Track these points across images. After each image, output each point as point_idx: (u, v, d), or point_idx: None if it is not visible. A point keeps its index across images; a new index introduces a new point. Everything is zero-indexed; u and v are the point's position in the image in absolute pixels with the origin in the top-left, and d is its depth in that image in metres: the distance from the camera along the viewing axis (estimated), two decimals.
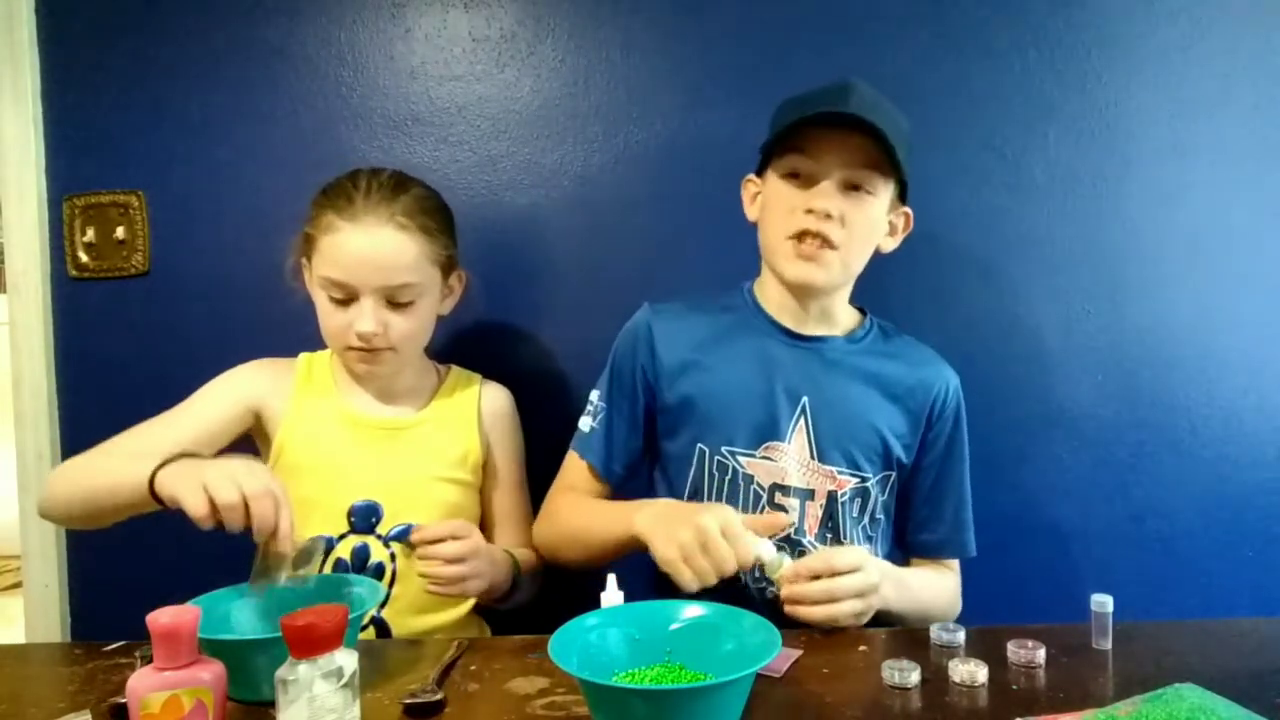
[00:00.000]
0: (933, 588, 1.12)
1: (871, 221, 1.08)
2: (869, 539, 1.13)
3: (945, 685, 0.78)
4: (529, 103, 1.42)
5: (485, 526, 1.18)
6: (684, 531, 0.88)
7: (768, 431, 1.09)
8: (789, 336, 1.13)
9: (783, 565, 0.92)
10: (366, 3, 1.42)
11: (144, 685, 0.62)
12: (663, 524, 0.92)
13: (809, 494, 1.08)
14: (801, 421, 1.09)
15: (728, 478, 1.09)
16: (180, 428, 1.07)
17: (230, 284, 1.43)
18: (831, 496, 1.09)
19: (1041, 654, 0.82)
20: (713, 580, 0.87)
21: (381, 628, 1.07)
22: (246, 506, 0.83)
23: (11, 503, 1.47)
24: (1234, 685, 0.74)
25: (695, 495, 1.11)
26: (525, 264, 1.43)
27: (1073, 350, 1.41)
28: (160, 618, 0.63)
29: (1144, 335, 1.41)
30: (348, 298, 1.06)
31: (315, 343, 1.15)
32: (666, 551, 0.89)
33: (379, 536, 1.09)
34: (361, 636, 0.97)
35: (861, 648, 0.88)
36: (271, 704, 0.63)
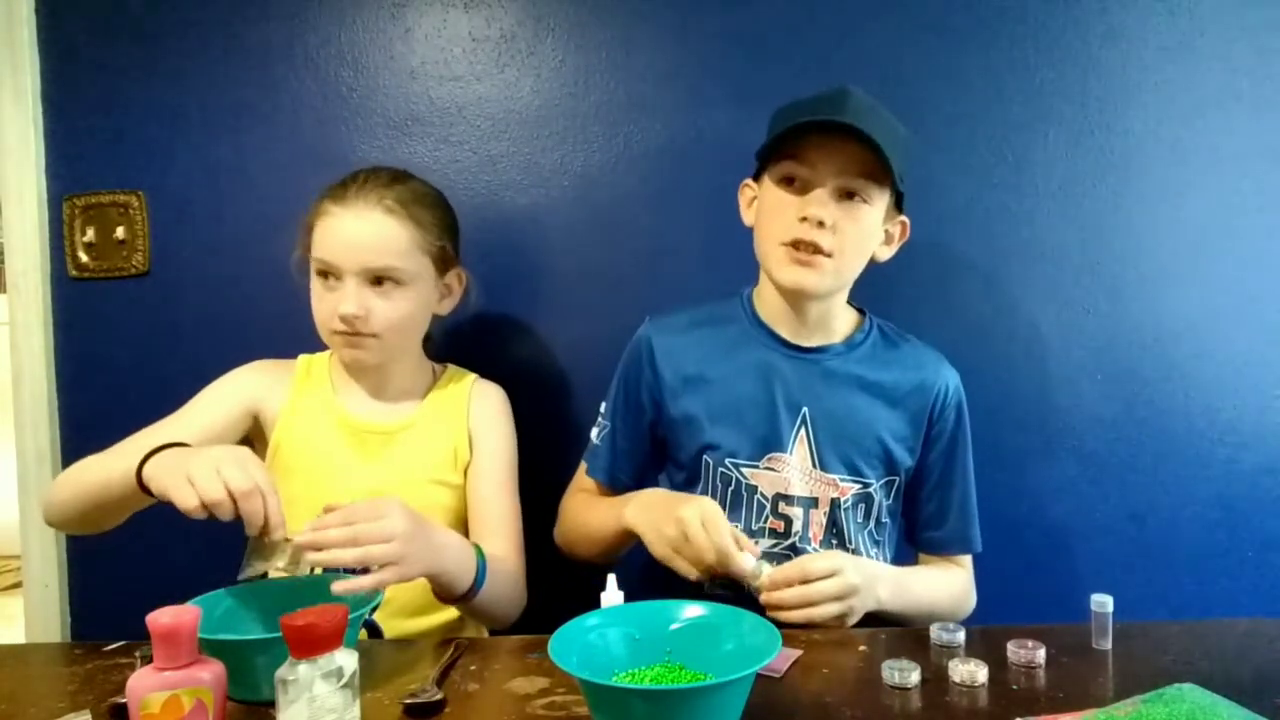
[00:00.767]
0: (936, 586, 1.12)
1: (866, 230, 1.08)
2: (875, 543, 1.13)
3: (945, 685, 0.78)
4: (529, 103, 1.42)
5: (471, 528, 1.15)
6: (667, 527, 0.95)
7: (770, 443, 1.10)
8: (788, 348, 1.13)
9: (762, 573, 0.94)
10: (366, 3, 1.42)
11: (144, 685, 0.62)
12: (649, 520, 1.00)
13: (812, 502, 1.09)
14: (802, 432, 1.10)
15: (731, 489, 1.10)
16: (180, 433, 1.07)
17: (230, 284, 1.43)
18: (835, 504, 1.09)
19: (1041, 654, 0.82)
20: (703, 567, 0.94)
21: (373, 630, 1.06)
22: (234, 499, 0.82)
23: (11, 503, 1.47)
24: (1234, 685, 0.74)
25: None
26: (525, 264, 1.43)
27: (1073, 350, 1.41)
28: (160, 618, 0.63)
29: (1144, 335, 1.41)
30: (335, 281, 1.08)
31: (315, 343, 1.15)
32: (657, 548, 0.97)
33: None
34: None
35: (861, 648, 0.88)
36: (271, 704, 0.63)
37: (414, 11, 1.42)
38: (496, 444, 1.19)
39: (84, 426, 1.47)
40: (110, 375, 1.46)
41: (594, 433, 1.21)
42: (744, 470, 1.10)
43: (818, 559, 0.95)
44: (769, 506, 1.09)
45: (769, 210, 1.09)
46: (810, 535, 1.09)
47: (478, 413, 1.19)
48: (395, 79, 1.43)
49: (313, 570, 1.02)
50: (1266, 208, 1.40)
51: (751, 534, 1.08)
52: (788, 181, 1.07)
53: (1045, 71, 1.39)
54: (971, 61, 1.39)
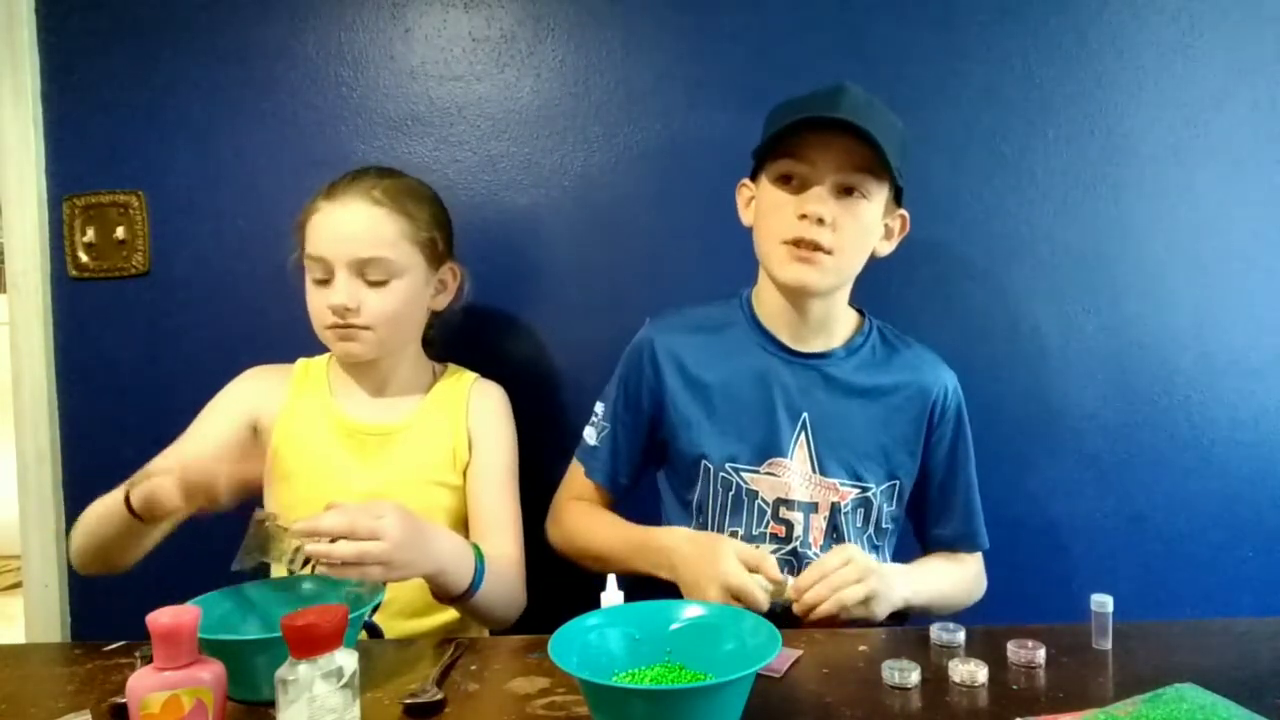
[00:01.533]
0: (948, 575, 1.14)
1: (865, 225, 1.07)
2: (875, 548, 1.13)
3: (945, 685, 0.78)
4: (529, 103, 1.42)
5: (470, 529, 1.15)
6: (711, 589, 0.95)
7: (770, 449, 1.10)
8: (788, 353, 1.13)
9: (788, 587, 0.95)
10: (366, 3, 1.42)
11: (144, 685, 0.62)
12: (692, 578, 0.99)
13: (813, 507, 1.09)
14: (803, 437, 1.10)
15: (732, 494, 1.10)
16: (188, 455, 1.06)
17: (230, 284, 1.43)
18: (835, 508, 1.10)
19: (1041, 654, 0.82)
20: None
21: (373, 631, 1.06)
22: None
23: (11, 503, 1.47)
24: (1234, 685, 0.74)
25: (701, 511, 1.12)
26: (525, 264, 1.43)
27: (1073, 350, 1.41)
28: (160, 618, 0.63)
29: (1144, 335, 1.41)
30: (326, 276, 1.08)
31: (315, 343, 1.15)
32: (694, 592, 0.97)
33: None
34: None
35: (861, 648, 0.88)
36: (271, 704, 0.63)
37: (414, 11, 1.42)
38: (496, 444, 1.18)
39: (84, 426, 1.47)
40: (110, 375, 1.46)
41: (589, 434, 1.20)
42: (744, 475, 1.10)
43: (828, 556, 0.96)
44: (770, 511, 1.09)
45: (767, 209, 1.09)
46: (811, 540, 1.09)
47: (477, 412, 1.19)
48: (395, 79, 1.43)
49: (312, 569, 1.02)
50: (1266, 207, 1.40)
51: (752, 539, 1.08)
52: (785, 179, 1.06)
53: (1045, 71, 1.39)
54: (972, 61, 1.39)
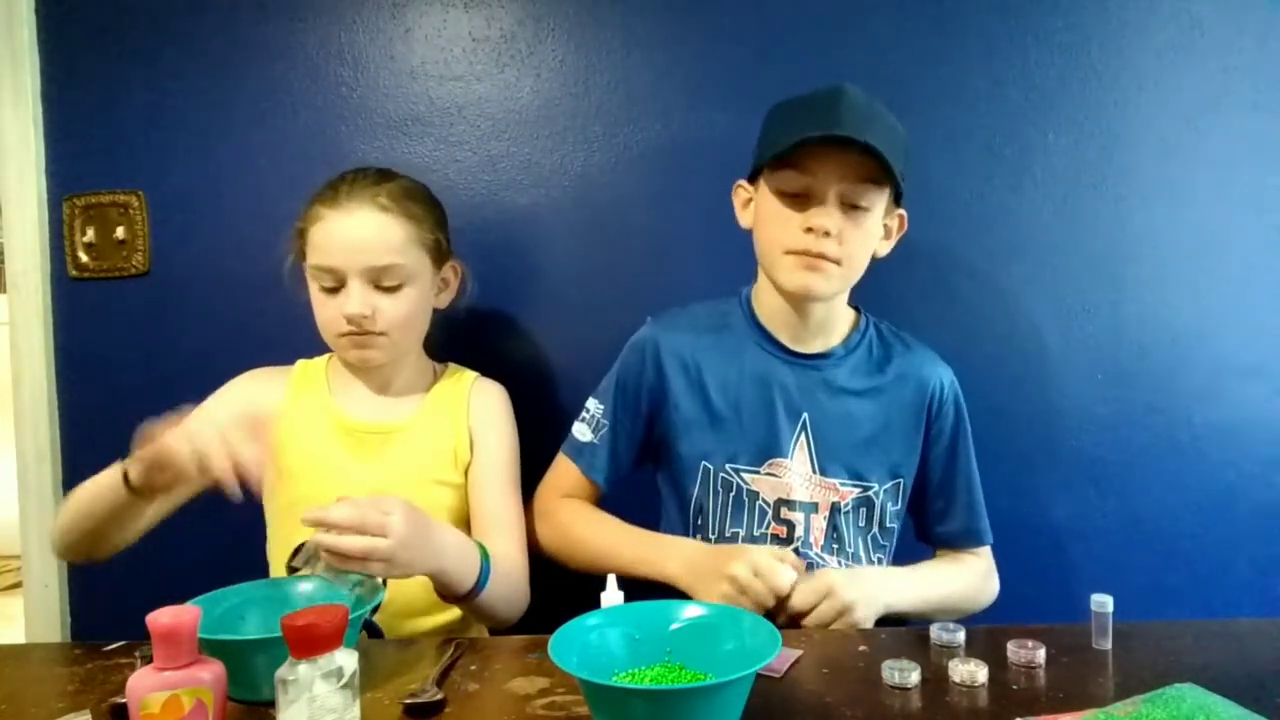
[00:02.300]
0: (949, 579, 1.13)
1: (869, 232, 1.07)
2: (880, 547, 1.14)
3: (945, 685, 0.78)
4: (529, 103, 1.42)
5: (472, 528, 1.14)
6: (721, 584, 0.94)
7: (770, 449, 1.10)
8: (788, 354, 1.13)
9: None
10: (366, 3, 1.42)
11: (144, 685, 0.62)
12: (699, 578, 0.98)
13: (813, 507, 1.09)
14: (803, 438, 1.11)
15: (732, 494, 1.10)
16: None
17: (230, 284, 1.43)
18: (835, 508, 1.10)
19: (1041, 654, 0.82)
20: (763, 611, 0.93)
21: (373, 630, 1.06)
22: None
23: (11, 503, 1.47)
24: (1234, 685, 0.74)
25: (701, 511, 1.12)
26: (525, 264, 1.43)
27: (1073, 350, 1.41)
28: (160, 618, 0.63)
29: (1144, 335, 1.41)
30: (337, 284, 1.07)
31: (315, 343, 1.15)
32: (709, 599, 0.94)
33: None
34: None
35: (861, 648, 0.88)
36: (271, 704, 0.63)
37: (414, 11, 1.42)
38: (497, 443, 1.18)
39: (84, 426, 1.47)
40: (110, 375, 1.46)
41: (581, 430, 1.18)
42: (744, 476, 1.10)
43: (801, 593, 0.94)
44: (771, 512, 1.09)
45: (770, 217, 1.08)
46: (812, 540, 1.09)
47: (478, 411, 1.19)
48: (395, 79, 1.42)
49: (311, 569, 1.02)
50: (1266, 208, 1.40)
51: (753, 540, 1.08)
52: (788, 191, 1.05)
53: (1045, 71, 1.39)
54: (972, 61, 1.39)
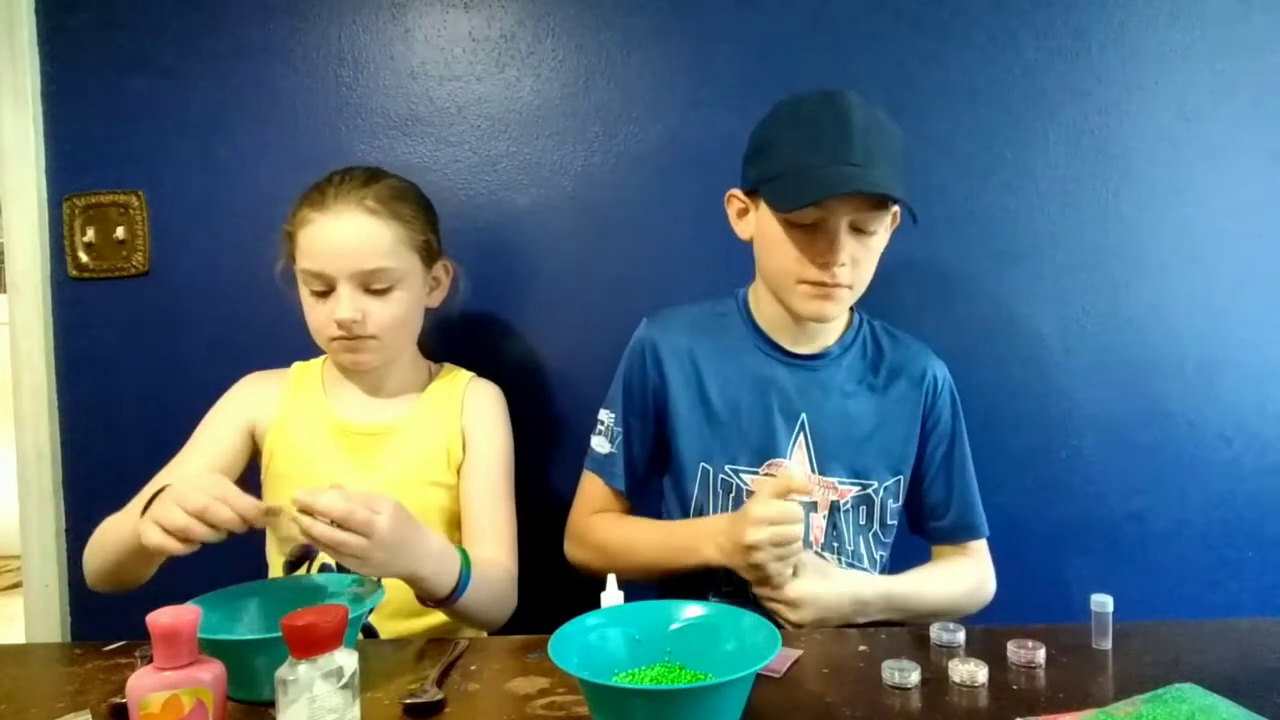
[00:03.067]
0: (936, 585, 1.10)
1: (877, 250, 1.08)
2: (882, 545, 1.14)
3: (945, 685, 0.78)
4: (529, 103, 1.42)
5: (463, 529, 1.13)
6: (748, 557, 0.94)
7: (768, 450, 1.10)
8: (784, 355, 1.14)
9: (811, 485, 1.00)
10: (366, 3, 1.42)
11: (144, 685, 0.62)
12: (731, 558, 0.98)
13: (812, 506, 1.10)
14: (801, 437, 1.11)
15: (732, 495, 1.10)
16: (190, 471, 1.06)
17: (230, 284, 1.43)
18: (834, 507, 1.10)
19: (1041, 654, 0.82)
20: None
21: (368, 631, 1.06)
22: (205, 523, 0.82)
23: (11, 503, 1.47)
24: (1234, 685, 0.74)
25: (701, 513, 1.12)
26: (525, 264, 1.43)
27: (1073, 350, 1.41)
28: (160, 618, 0.63)
29: (1144, 335, 1.41)
30: (327, 288, 1.07)
31: (314, 343, 1.15)
32: (751, 575, 0.97)
33: None
34: None
35: (861, 648, 0.88)
36: (271, 704, 0.63)
37: (414, 11, 1.42)
38: (490, 443, 1.17)
39: (84, 426, 1.47)
40: (110, 375, 1.46)
41: (599, 443, 1.17)
42: (744, 476, 1.10)
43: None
44: None
45: (779, 245, 1.06)
46: (811, 539, 1.09)
47: (472, 411, 1.18)
48: (395, 79, 1.42)
49: (309, 569, 1.02)
50: (1266, 208, 1.40)
51: None
52: (798, 221, 1.03)
53: (1045, 72, 1.39)
54: (972, 62, 1.39)
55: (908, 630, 0.95)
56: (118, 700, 0.74)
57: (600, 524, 1.16)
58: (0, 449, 1.63)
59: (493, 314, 1.41)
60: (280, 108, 1.43)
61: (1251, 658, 0.85)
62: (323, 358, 1.20)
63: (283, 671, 0.62)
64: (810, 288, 1.05)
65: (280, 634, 0.62)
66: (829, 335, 1.16)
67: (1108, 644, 0.86)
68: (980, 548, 1.18)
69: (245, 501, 0.83)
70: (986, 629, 0.90)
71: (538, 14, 1.41)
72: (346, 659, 0.64)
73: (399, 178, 1.15)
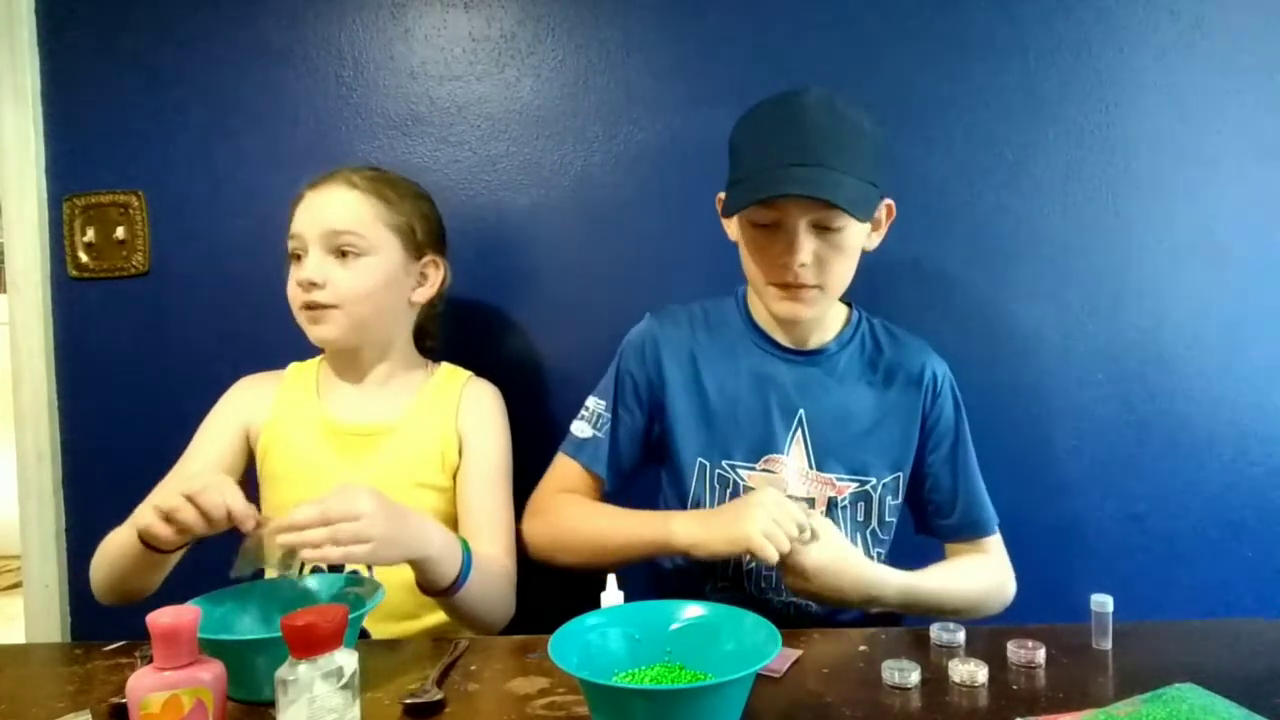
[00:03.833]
0: (952, 584, 1.08)
1: (849, 247, 1.05)
2: (880, 542, 1.13)
3: (945, 685, 0.79)
4: (529, 103, 1.42)
5: (460, 530, 1.12)
6: (746, 540, 0.91)
7: (766, 445, 1.10)
8: (783, 351, 1.14)
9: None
10: (366, 3, 1.42)
11: (144, 685, 0.62)
12: (714, 530, 0.95)
13: (810, 502, 1.09)
14: (799, 433, 1.11)
15: (729, 491, 1.10)
16: (192, 475, 1.06)
17: (230, 284, 1.43)
18: (832, 503, 1.10)
19: (1041, 654, 0.82)
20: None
21: (361, 634, 1.06)
22: (196, 506, 0.84)
23: (11, 503, 1.47)
24: (1234, 685, 0.74)
25: (698, 508, 1.12)
26: (525, 264, 1.43)
27: (1073, 350, 1.41)
28: (160, 618, 0.63)
29: (1144, 335, 1.41)
30: (300, 252, 1.10)
31: (314, 344, 1.15)
32: (749, 542, 0.91)
33: None
34: None
35: (861, 648, 0.88)
36: (271, 704, 0.63)
37: (414, 11, 1.42)
38: (488, 444, 1.16)
39: (84, 426, 1.47)
40: (110, 375, 1.46)
41: (581, 427, 1.16)
42: (741, 472, 1.10)
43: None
44: None
45: (746, 246, 1.08)
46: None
47: (469, 412, 1.17)
48: (395, 79, 1.43)
49: (302, 571, 1.02)
50: (1266, 208, 1.40)
51: None
52: (759, 221, 1.04)
53: (1045, 71, 1.39)
54: (972, 61, 1.39)
55: (908, 630, 0.95)
56: (118, 700, 0.74)
57: (561, 502, 1.13)
58: (0, 449, 1.63)
59: (492, 314, 1.41)
60: (280, 108, 1.43)
61: (1251, 658, 0.85)
62: (319, 358, 1.20)
63: (283, 671, 0.62)
64: (777, 289, 1.06)
65: (280, 634, 0.62)
66: (827, 332, 1.16)
67: (1108, 644, 0.87)
68: (996, 545, 1.16)
69: (239, 500, 0.85)
70: (987, 629, 0.90)
71: (538, 14, 1.41)
72: (346, 659, 0.64)
73: (404, 178, 1.17)
